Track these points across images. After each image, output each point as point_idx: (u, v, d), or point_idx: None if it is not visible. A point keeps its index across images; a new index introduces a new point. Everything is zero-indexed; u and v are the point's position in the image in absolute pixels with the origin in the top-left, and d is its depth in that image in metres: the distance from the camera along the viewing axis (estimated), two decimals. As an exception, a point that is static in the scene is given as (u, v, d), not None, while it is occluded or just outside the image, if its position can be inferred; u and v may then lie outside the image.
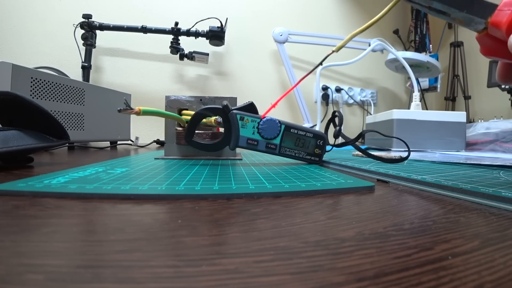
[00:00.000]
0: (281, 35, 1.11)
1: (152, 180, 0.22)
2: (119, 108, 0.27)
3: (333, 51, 0.31)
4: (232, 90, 1.22)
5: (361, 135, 0.37)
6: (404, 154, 0.36)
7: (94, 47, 0.96)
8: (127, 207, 0.15)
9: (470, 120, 1.32)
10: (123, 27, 0.95)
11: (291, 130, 0.33)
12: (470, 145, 0.69)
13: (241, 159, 0.39)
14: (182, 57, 1.01)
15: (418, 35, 1.49)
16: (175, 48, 0.99)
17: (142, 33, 0.97)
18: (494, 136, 0.63)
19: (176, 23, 0.97)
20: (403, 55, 1.06)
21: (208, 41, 1.02)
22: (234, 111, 0.31)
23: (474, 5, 0.19)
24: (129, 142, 0.86)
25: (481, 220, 0.14)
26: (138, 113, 0.28)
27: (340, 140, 0.96)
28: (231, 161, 0.36)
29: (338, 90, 1.40)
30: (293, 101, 1.30)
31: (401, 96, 1.64)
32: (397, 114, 0.65)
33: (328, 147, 0.36)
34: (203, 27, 0.99)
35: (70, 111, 0.60)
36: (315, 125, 1.04)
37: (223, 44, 1.04)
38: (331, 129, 0.39)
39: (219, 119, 0.34)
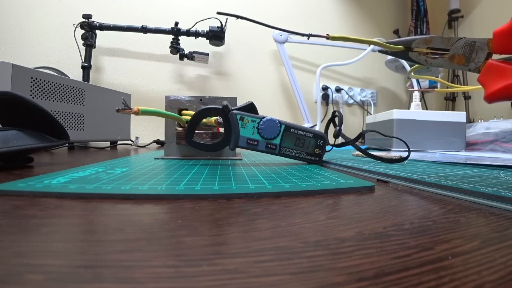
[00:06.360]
0: (281, 35, 1.11)
1: (152, 180, 0.22)
2: (117, 108, 0.27)
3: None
4: (232, 90, 1.22)
5: (361, 135, 0.37)
6: (404, 154, 0.36)
7: (94, 47, 0.96)
8: (127, 207, 0.15)
9: (470, 120, 1.32)
10: (123, 27, 0.95)
11: (291, 130, 0.33)
12: (470, 145, 0.69)
13: (241, 159, 0.39)
14: (182, 57, 1.01)
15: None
16: (175, 48, 0.99)
17: (142, 33, 0.97)
18: (494, 136, 0.63)
19: (176, 23, 0.97)
20: (403, 55, 1.06)
21: (208, 41, 1.02)
22: (234, 111, 0.31)
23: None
24: (129, 142, 0.86)
25: (481, 220, 0.14)
26: (137, 113, 0.28)
27: (340, 140, 0.96)
28: (231, 161, 0.36)
29: (338, 90, 1.40)
30: (293, 101, 1.30)
31: (401, 96, 1.64)
32: (397, 114, 0.65)
33: (328, 147, 0.36)
34: (203, 27, 0.99)
35: (70, 111, 0.60)
36: (315, 125, 1.04)
37: (223, 44, 1.04)
38: (331, 129, 0.40)
39: (219, 119, 0.34)
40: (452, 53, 0.21)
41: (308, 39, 0.28)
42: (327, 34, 0.28)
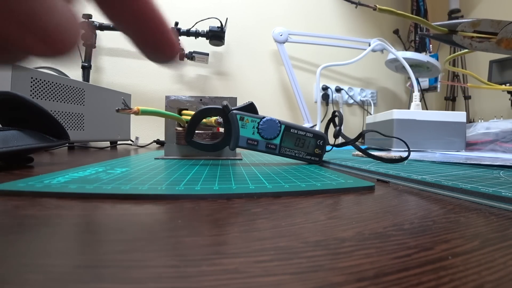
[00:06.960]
0: (281, 35, 1.11)
1: (152, 180, 0.22)
2: (117, 108, 0.27)
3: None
4: (232, 90, 1.22)
5: (361, 135, 0.37)
6: (404, 154, 0.36)
7: (94, 47, 0.96)
8: (127, 207, 0.15)
9: (470, 120, 1.32)
10: (123, 27, 0.95)
11: (291, 130, 0.33)
12: (470, 145, 0.69)
13: (241, 159, 0.39)
14: (182, 57, 1.01)
15: (418, 35, 1.49)
16: (175, 48, 0.99)
17: (142, 33, 0.97)
18: (494, 136, 0.63)
19: (176, 23, 0.97)
20: (403, 55, 1.06)
21: (208, 41, 1.02)
22: (234, 111, 0.31)
23: None
24: (129, 142, 0.86)
25: (481, 220, 0.14)
26: (137, 113, 0.28)
27: (340, 140, 0.96)
28: (231, 161, 0.36)
29: (338, 90, 1.40)
30: (293, 101, 1.30)
31: (401, 96, 1.64)
32: (397, 114, 0.65)
33: (328, 147, 0.36)
34: (203, 27, 0.99)
35: (70, 111, 0.60)
36: (315, 125, 1.04)
37: (223, 44, 1.04)
38: (331, 129, 0.39)
39: (219, 119, 0.34)
40: (501, 37, 0.20)
41: (356, 7, 0.29)
42: (375, 5, 0.28)
